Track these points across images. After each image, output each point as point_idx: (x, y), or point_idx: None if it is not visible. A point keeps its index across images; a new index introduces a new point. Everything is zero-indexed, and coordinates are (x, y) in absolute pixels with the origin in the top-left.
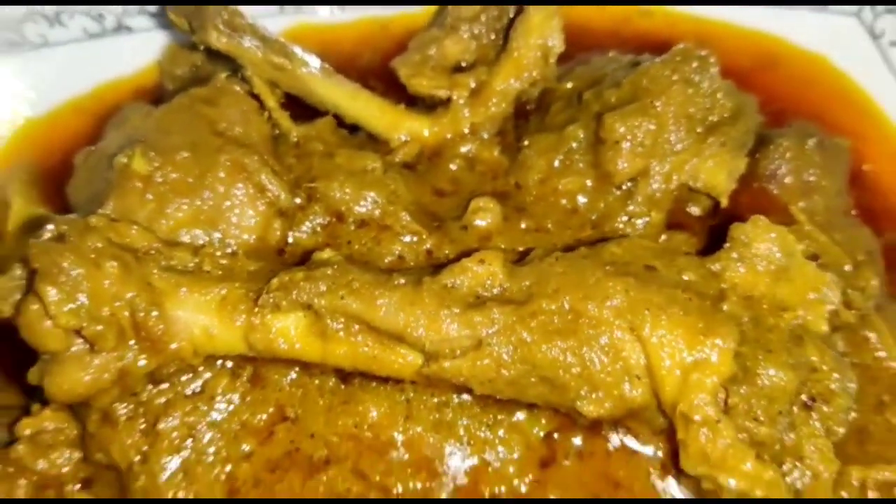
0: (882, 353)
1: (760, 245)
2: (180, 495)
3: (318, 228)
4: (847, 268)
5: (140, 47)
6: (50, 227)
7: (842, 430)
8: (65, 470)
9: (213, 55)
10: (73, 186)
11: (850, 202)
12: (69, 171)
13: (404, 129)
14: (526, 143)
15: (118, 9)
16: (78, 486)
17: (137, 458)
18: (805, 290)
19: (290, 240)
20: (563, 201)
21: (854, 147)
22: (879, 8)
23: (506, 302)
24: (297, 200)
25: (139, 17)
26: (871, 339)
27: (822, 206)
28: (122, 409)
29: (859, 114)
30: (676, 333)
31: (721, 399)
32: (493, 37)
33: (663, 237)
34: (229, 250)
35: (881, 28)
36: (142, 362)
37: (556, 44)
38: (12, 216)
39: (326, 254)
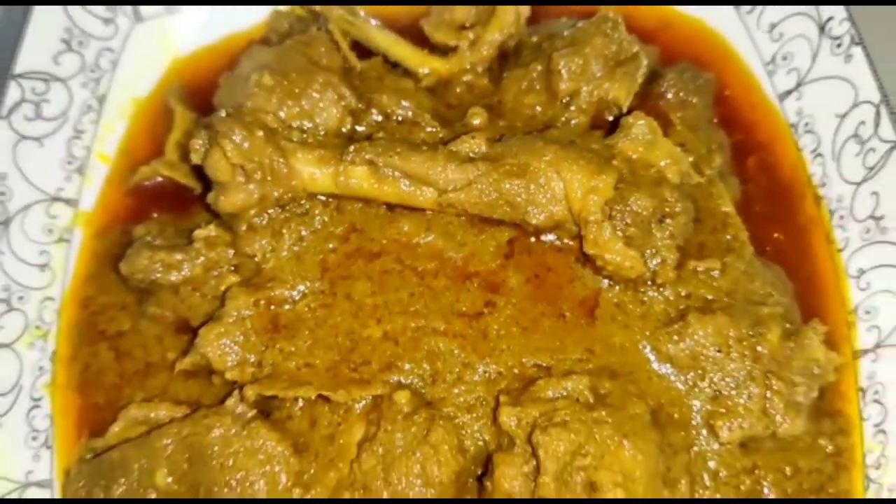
0: (720, 203)
1: (636, 128)
2: (295, 273)
3: (374, 122)
4: (703, 152)
5: (254, 10)
6: (221, 111)
7: (680, 239)
8: (223, 259)
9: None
10: (219, 98)
11: (712, 115)
12: (209, 93)
13: (427, 65)
14: (505, 75)
15: None
16: (232, 268)
17: (269, 248)
18: (663, 156)
19: (358, 129)
20: (527, 111)
21: (717, 78)
22: None
23: (486, 159)
24: (361, 105)
25: None
26: (713, 193)
27: (692, 115)
28: (259, 220)
29: (722, 57)
30: (582, 174)
31: (606, 211)
32: (484, 6)
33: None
34: (321, 132)
35: None
36: (276, 193)
37: (525, 11)
38: (176, 119)
39: (381, 135)
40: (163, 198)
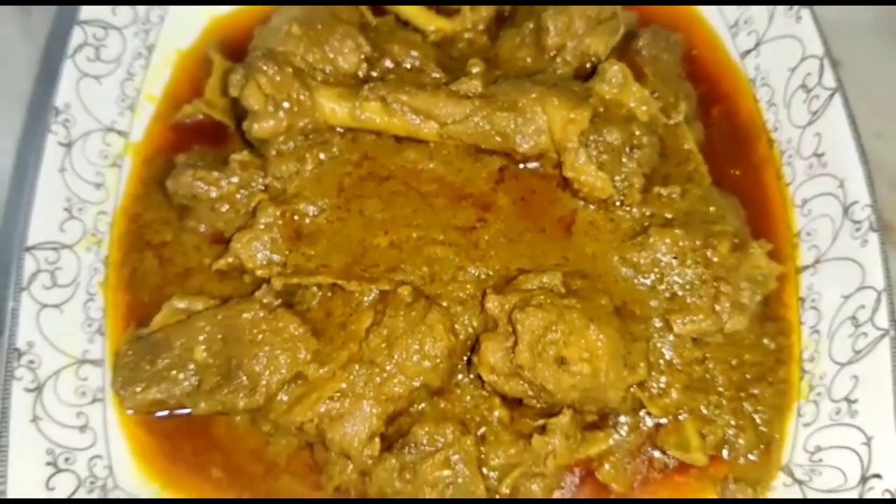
0: (684, 142)
1: (610, 72)
2: (316, 191)
3: (386, 69)
4: (671, 100)
5: None
6: (256, 52)
7: (646, 167)
8: (254, 179)
9: None
10: (254, 45)
11: (681, 70)
12: (244, 47)
13: (434, 24)
14: (501, 33)
15: None
16: (262, 187)
17: (294, 170)
18: (634, 98)
19: (372, 74)
20: (519, 62)
21: (687, 39)
22: None
23: (481, 97)
24: (375, 54)
25: None
26: (679, 134)
27: (663, 69)
28: (286, 147)
29: (693, 21)
30: (562, 108)
31: (582, 140)
32: None
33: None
34: (341, 75)
35: None
36: (301, 123)
37: None
38: (215, 66)
39: (391, 77)
40: (201, 132)
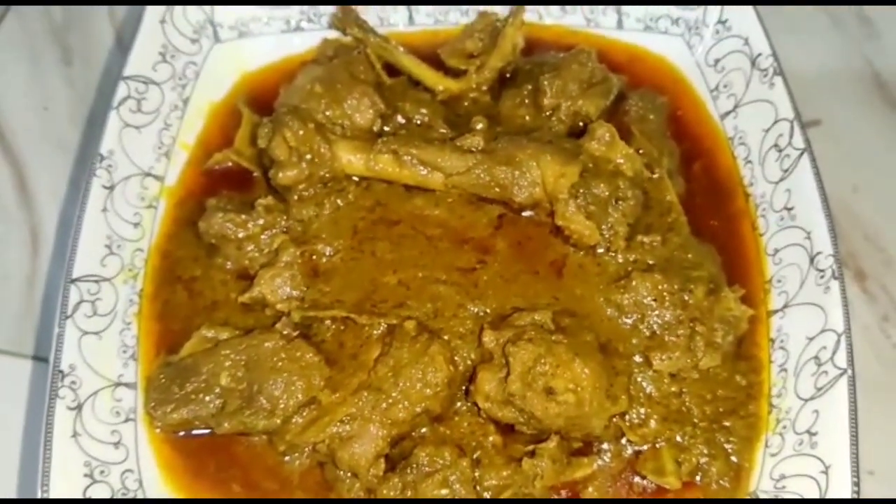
0: (666, 194)
1: (598, 132)
2: (332, 233)
3: (398, 124)
4: (656, 156)
5: (307, 38)
6: (282, 109)
7: (631, 218)
8: (277, 222)
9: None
10: (280, 102)
11: (666, 129)
12: (271, 101)
13: (442, 84)
14: (503, 93)
15: (296, 13)
16: (284, 230)
17: (314, 214)
18: (620, 155)
19: (385, 129)
20: (519, 120)
21: (672, 101)
22: (693, 33)
23: (483, 152)
24: (388, 111)
25: (307, 22)
26: (661, 187)
27: (649, 128)
28: (307, 193)
29: (678, 84)
30: (556, 164)
31: (572, 192)
32: (488, 38)
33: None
34: (357, 128)
35: (692, 42)
36: (321, 172)
37: (519, 42)
38: (244, 119)
39: (403, 132)
40: (230, 178)
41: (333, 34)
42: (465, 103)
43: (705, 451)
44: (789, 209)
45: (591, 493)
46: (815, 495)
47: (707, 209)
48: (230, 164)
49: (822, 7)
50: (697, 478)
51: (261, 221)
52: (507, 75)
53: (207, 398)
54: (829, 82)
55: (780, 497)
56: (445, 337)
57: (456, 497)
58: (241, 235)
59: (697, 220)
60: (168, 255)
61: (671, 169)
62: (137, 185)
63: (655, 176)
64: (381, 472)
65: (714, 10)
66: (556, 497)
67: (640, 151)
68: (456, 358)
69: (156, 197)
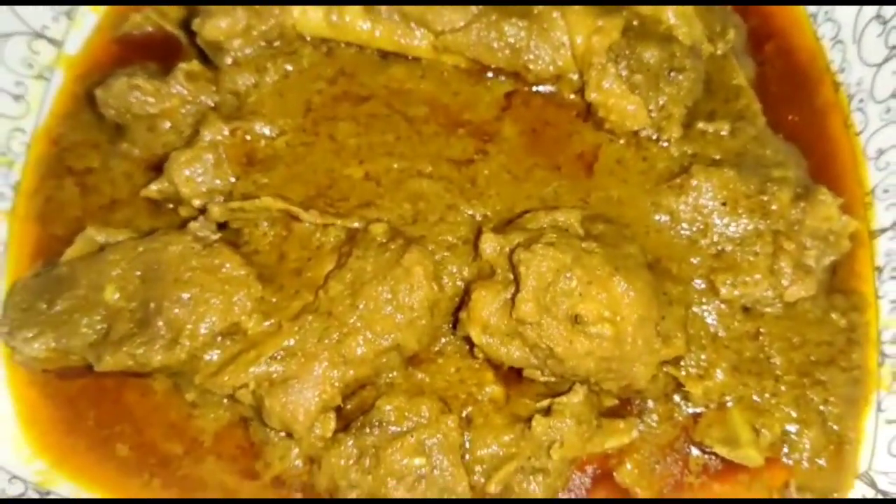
0: (733, 76)
1: None
2: (276, 109)
3: None
4: (718, 29)
5: None
6: None
7: (688, 98)
8: (203, 92)
9: None
10: None
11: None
12: None
13: None
14: None
15: None
16: (212, 104)
17: (252, 83)
18: (675, 15)
19: None
20: None
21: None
22: None
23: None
24: None
25: None
26: (726, 67)
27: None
28: (243, 54)
29: None
30: (589, 16)
31: (611, 56)
32: None
33: None
34: None
35: None
36: (265, 26)
37: None
38: None
39: None
40: (151, 48)
41: None
42: None
43: (793, 416)
44: None
45: (629, 470)
46: None
47: (785, 100)
48: (151, 28)
49: None
50: (783, 452)
51: (180, 90)
52: None
53: (85, 320)
54: None
55: None
56: (430, 247)
57: (434, 468)
58: (152, 110)
59: (773, 114)
60: (58, 140)
61: (737, 46)
62: (23, 47)
63: (719, 52)
64: (328, 431)
65: None
66: (580, 476)
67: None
68: (443, 276)
69: (49, 66)
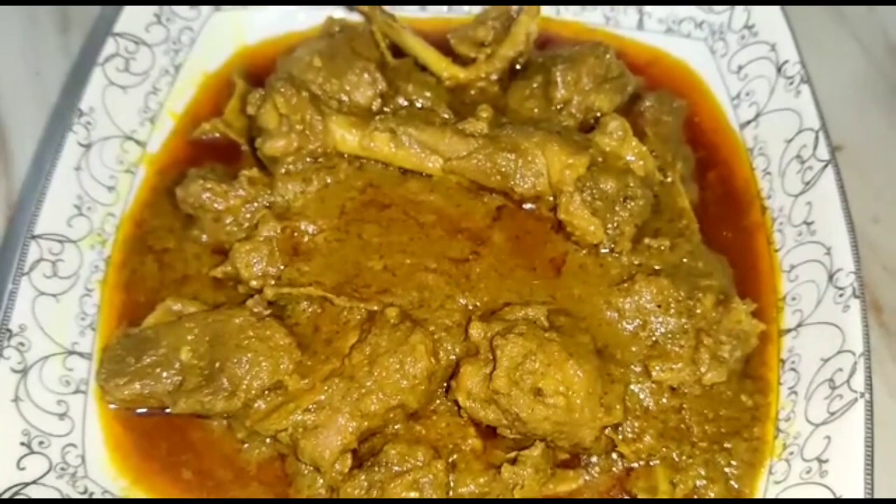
0: (678, 200)
1: (611, 126)
2: (318, 211)
3: (398, 106)
4: (669, 160)
5: (313, 14)
6: (276, 75)
7: (638, 219)
8: (260, 195)
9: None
10: (276, 72)
11: (682, 134)
12: (267, 76)
13: (449, 71)
14: (512, 84)
15: None
16: (266, 204)
17: (300, 190)
18: (632, 152)
19: (385, 109)
20: (527, 112)
21: (690, 106)
22: (717, 38)
23: (486, 137)
24: (390, 91)
25: None
26: (673, 192)
27: (664, 131)
28: (294, 167)
29: (697, 90)
30: (562, 154)
31: (578, 185)
32: (500, 27)
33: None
34: (355, 105)
35: (716, 47)
36: (312, 146)
37: (534, 31)
38: (237, 90)
39: (402, 111)
40: (216, 150)
41: (339, 12)
42: (472, 92)
43: (703, 473)
44: (809, 223)
45: None
46: None
47: (721, 220)
48: (217, 135)
49: (849, 32)
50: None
51: (242, 193)
52: (518, 67)
53: (164, 373)
54: (852, 108)
55: None
56: (430, 328)
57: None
58: (219, 207)
59: (710, 231)
60: (142, 224)
61: (685, 175)
62: (117, 148)
63: (668, 180)
64: (346, 468)
65: (741, 14)
66: None
67: (654, 153)
68: (440, 352)
69: (135, 162)
